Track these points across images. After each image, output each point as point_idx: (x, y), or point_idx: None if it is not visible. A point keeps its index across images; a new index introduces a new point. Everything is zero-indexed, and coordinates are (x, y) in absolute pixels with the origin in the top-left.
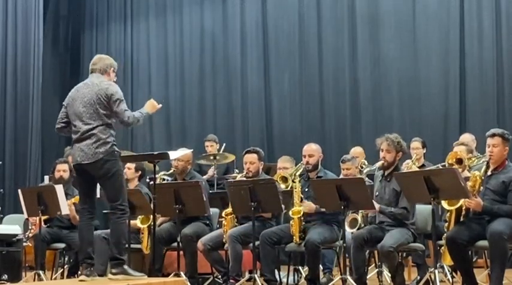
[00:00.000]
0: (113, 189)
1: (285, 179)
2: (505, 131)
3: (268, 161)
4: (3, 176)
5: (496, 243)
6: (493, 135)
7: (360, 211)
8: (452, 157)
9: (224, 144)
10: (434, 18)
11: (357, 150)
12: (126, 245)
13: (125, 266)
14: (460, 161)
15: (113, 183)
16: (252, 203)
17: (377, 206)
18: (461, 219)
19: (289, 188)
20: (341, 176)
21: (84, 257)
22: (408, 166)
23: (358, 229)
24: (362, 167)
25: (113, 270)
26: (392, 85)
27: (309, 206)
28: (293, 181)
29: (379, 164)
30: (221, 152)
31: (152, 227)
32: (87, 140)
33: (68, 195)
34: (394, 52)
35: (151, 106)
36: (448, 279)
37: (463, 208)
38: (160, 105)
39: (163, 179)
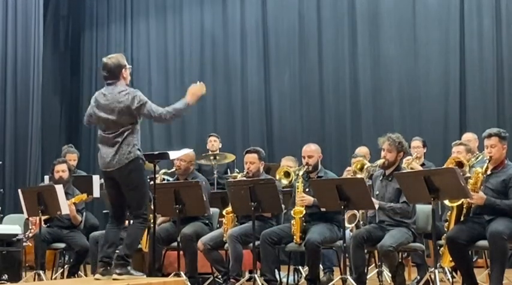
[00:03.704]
0: (136, 198)
1: (287, 174)
2: (500, 130)
3: (268, 161)
4: (3, 176)
5: (496, 243)
6: (490, 136)
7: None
8: (452, 162)
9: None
10: (434, 18)
11: (362, 150)
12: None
13: (129, 267)
14: (460, 164)
15: (137, 192)
16: (252, 203)
17: (376, 202)
18: (462, 219)
19: (290, 184)
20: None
21: (103, 256)
22: (408, 162)
23: (356, 225)
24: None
25: (117, 271)
26: (393, 85)
27: (308, 199)
28: (295, 180)
29: (380, 162)
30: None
31: (152, 226)
32: (111, 148)
33: (68, 195)
34: (394, 52)
35: (190, 94)
36: (448, 279)
37: (464, 206)
38: (203, 90)
39: (164, 179)
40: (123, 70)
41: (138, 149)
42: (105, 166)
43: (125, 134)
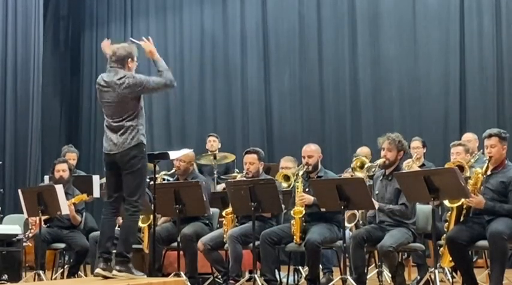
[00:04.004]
0: (132, 184)
1: (287, 178)
2: (501, 130)
3: (268, 161)
4: (3, 176)
5: (496, 244)
6: (490, 136)
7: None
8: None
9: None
10: (434, 18)
11: (363, 150)
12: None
13: (130, 265)
14: (460, 168)
15: (134, 178)
16: (252, 203)
17: (376, 204)
18: (462, 219)
19: (290, 188)
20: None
21: (102, 251)
22: (409, 165)
23: (356, 225)
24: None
25: (118, 267)
26: (393, 85)
27: (308, 198)
28: (295, 181)
29: (380, 161)
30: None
31: (152, 226)
32: (116, 132)
33: (68, 195)
34: (394, 52)
35: (152, 51)
36: (448, 280)
37: (464, 207)
38: (149, 38)
39: (164, 179)
40: (130, 59)
41: (142, 134)
42: (108, 149)
43: (130, 119)
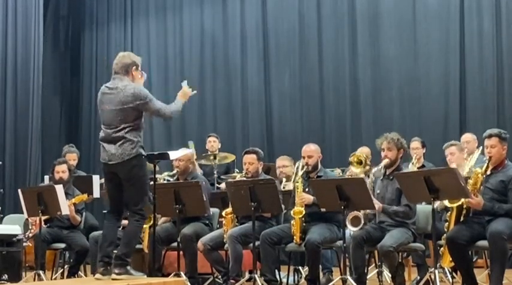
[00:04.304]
0: (135, 194)
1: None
2: (501, 130)
3: (268, 161)
4: (3, 176)
5: (496, 243)
6: (490, 136)
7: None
8: None
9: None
10: (434, 18)
11: (363, 150)
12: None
13: (128, 267)
14: None
15: (136, 189)
16: (252, 203)
17: (380, 205)
18: (462, 219)
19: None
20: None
21: (103, 255)
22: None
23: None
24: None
25: (116, 270)
26: (393, 85)
27: (308, 198)
28: (295, 181)
29: (384, 162)
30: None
31: (152, 226)
32: (114, 142)
33: (68, 195)
34: (394, 52)
35: (183, 94)
36: (448, 280)
37: (464, 207)
38: (195, 92)
39: (164, 180)
40: (134, 67)
41: (141, 147)
42: (107, 159)
43: (128, 131)
